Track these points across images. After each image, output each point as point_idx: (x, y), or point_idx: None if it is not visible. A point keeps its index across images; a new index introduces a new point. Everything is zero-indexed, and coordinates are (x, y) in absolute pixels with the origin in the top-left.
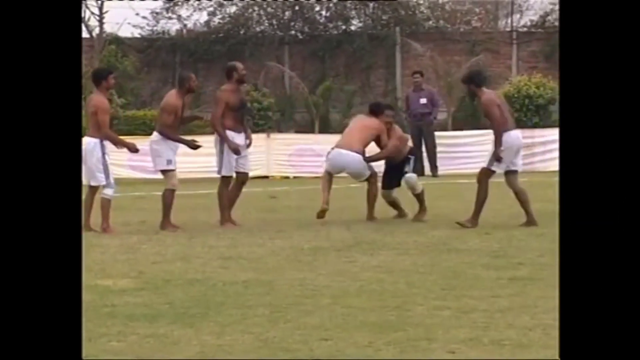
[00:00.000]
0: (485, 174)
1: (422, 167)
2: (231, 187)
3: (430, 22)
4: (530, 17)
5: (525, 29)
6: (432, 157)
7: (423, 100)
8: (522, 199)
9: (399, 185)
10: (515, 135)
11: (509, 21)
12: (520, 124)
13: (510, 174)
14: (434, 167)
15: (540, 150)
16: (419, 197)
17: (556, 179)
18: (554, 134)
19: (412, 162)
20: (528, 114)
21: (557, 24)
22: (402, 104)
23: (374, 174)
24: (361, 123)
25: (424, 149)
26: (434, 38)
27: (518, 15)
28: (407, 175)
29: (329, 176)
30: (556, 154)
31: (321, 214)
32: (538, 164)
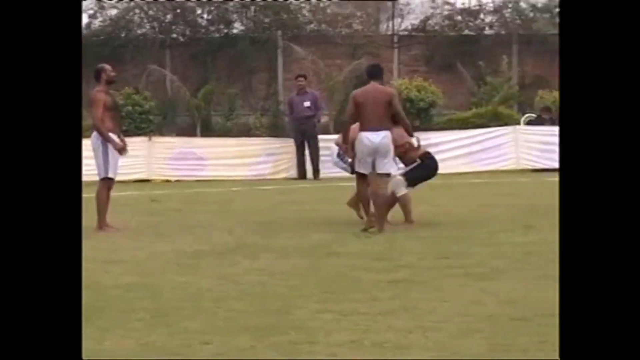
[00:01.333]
0: (357, 176)
1: (305, 170)
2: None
3: (312, 26)
4: (411, 21)
5: (406, 33)
6: (315, 160)
7: (306, 104)
8: (363, 202)
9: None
10: (365, 137)
11: (390, 25)
12: None
13: (378, 176)
14: (316, 171)
15: None
16: (401, 202)
17: (443, 181)
18: (435, 137)
19: (412, 165)
20: (409, 118)
21: (437, 28)
22: (284, 107)
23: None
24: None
25: (307, 152)
26: (316, 41)
27: (399, 19)
28: (395, 177)
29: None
30: (438, 156)
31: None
32: None
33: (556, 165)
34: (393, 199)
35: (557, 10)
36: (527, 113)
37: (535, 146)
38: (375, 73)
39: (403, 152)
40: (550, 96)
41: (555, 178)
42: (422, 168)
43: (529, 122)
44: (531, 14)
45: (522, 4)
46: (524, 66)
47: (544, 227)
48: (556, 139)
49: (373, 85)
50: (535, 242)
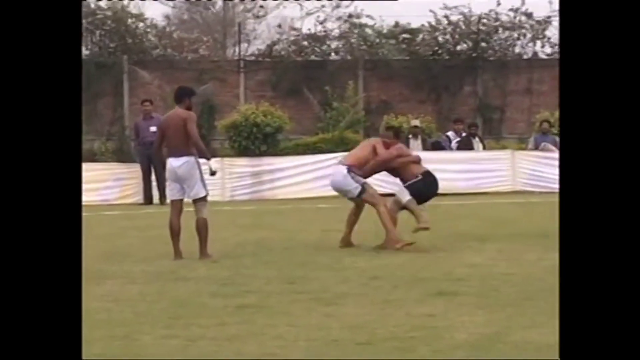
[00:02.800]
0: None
1: (151, 195)
2: None
3: (158, 50)
4: (257, 46)
5: (253, 58)
6: (161, 185)
7: (153, 129)
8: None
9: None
10: (168, 162)
11: (237, 50)
12: (248, 152)
13: (194, 202)
14: (162, 196)
15: (268, 178)
16: (409, 207)
17: (289, 206)
18: (282, 162)
19: (413, 180)
20: (256, 142)
21: (283, 53)
22: (130, 132)
23: (370, 193)
24: (362, 143)
25: (153, 177)
26: (162, 66)
27: (246, 44)
28: (399, 189)
29: (353, 207)
30: (285, 181)
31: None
32: (266, 192)
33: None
34: (396, 211)
35: (403, 36)
36: (372, 138)
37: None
38: (178, 97)
39: (402, 166)
40: (396, 121)
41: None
42: (423, 183)
43: None
44: (377, 40)
45: (368, 30)
46: (370, 91)
47: (389, 251)
48: None
49: (175, 110)
50: (381, 267)
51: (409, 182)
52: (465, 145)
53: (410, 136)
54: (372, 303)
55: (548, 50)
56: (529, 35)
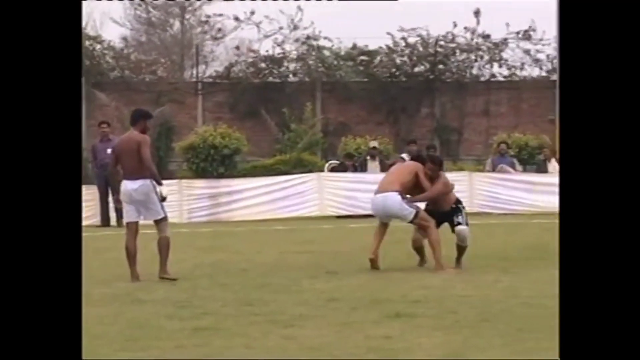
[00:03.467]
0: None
1: (108, 217)
2: None
3: (116, 72)
4: (215, 67)
5: (210, 80)
6: (119, 207)
7: (110, 151)
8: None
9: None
10: (123, 185)
11: (195, 72)
12: (206, 174)
13: (156, 222)
14: (120, 217)
15: (226, 200)
16: (462, 250)
17: (246, 228)
18: (239, 183)
19: (463, 212)
20: (214, 164)
21: (241, 75)
22: (87, 154)
23: (423, 217)
24: (399, 167)
25: (110, 199)
26: (120, 88)
27: (203, 66)
28: (460, 227)
29: (381, 225)
30: (242, 203)
31: (372, 264)
32: (223, 214)
33: (360, 211)
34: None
35: (361, 58)
36: (330, 160)
37: (339, 192)
38: (134, 119)
39: (443, 198)
40: (354, 143)
41: (359, 224)
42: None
43: (333, 169)
44: (334, 62)
45: (326, 52)
46: (328, 113)
47: (347, 273)
48: (360, 186)
49: (129, 133)
50: (339, 288)
51: (463, 217)
52: None
53: (368, 157)
54: (330, 325)
55: (505, 72)
56: (486, 57)
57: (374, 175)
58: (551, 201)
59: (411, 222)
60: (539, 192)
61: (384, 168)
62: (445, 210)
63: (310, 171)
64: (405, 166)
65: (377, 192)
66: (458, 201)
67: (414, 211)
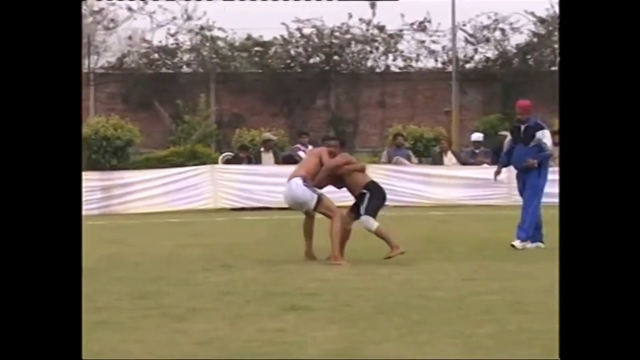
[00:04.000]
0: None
1: None
2: None
3: None
4: (107, 58)
5: (102, 71)
6: None
7: None
8: None
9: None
10: None
11: (87, 62)
12: (98, 166)
13: None
14: None
15: (119, 192)
16: (379, 234)
17: (140, 220)
18: (132, 175)
19: (366, 199)
20: (106, 156)
21: (134, 65)
22: None
23: (326, 205)
24: (307, 154)
25: None
26: None
27: (95, 57)
28: (362, 217)
29: (306, 219)
30: (136, 195)
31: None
32: (116, 206)
33: (254, 204)
34: (346, 233)
35: (255, 49)
36: (224, 152)
37: (233, 185)
38: None
39: (348, 175)
40: (248, 134)
41: (254, 217)
42: (375, 198)
43: (227, 161)
44: (229, 53)
45: (220, 43)
46: (222, 104)
47: (242, 266)
48: (254, 178)
49: None
50: (233, 281)
51: (365, 205)
52: None
53: (262, 149)
54: (223, 318)
55: (400, 63)
56: (381, 49)
57: (268, 168)
58: (447, 193)
59: (315, 210)
60: (435, 185)
61: (278, 160)
62: (356, 196)
63: (204, 163)
64: (311, 152)
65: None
66: (368, 186)
67: (315, 196)
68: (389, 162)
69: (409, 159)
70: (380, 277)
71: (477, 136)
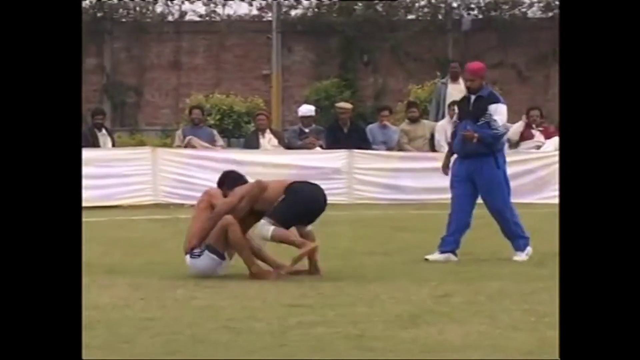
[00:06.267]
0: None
1: None
2: None
3: None
4: None
5: None
6: None
7: None
8: None
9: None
10: None
11: None
12: None
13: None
14: None
15: None
16: (279, 240)
17: None
18: None
19: (274, 210)
20: None
21: None
22: None
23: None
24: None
25: None
26: None
27: None
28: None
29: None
30: None
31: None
32: None
33: None
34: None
35: None
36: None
37: None
38: None
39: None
40: None
41: None
42: (286, 203)
43: None
44: None
45: None
46: None
47: None
48: None
49: None
50: None
51: (269, 211)
52: (86, 140)
53: None
54: None
55: (201, 9)
56: None
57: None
58: None
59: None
60: (250, 175)
61: None
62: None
63: None
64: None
65: None
66: (292, 190)
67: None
68: (186, 146)
69: (212, 140)
70: (173, 303)
71: (307, 109)
